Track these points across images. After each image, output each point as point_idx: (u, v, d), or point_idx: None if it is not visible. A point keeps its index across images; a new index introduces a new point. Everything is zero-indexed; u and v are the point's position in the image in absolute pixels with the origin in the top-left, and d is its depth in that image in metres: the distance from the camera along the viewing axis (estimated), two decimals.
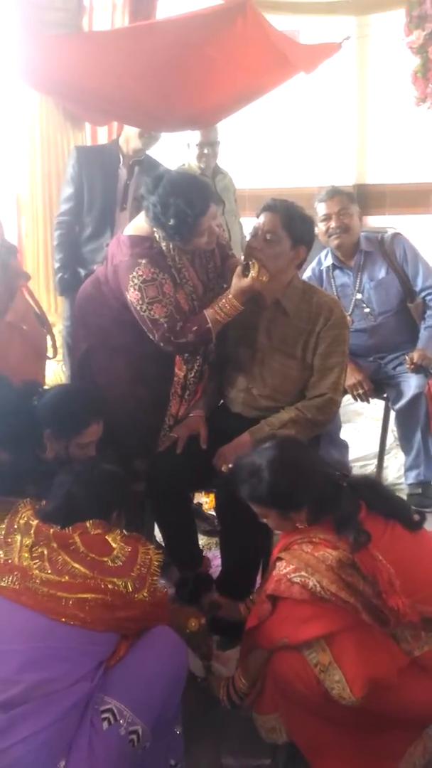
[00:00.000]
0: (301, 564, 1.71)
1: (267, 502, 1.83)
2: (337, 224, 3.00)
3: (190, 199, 2.17)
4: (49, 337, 2.55)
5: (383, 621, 1.64)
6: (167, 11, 3.52)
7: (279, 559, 1.81)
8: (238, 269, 2.29)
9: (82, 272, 3.22)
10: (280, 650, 1.76)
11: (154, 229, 2.30)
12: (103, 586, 1.61)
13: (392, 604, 1.64)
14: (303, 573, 1.69)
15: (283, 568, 1.75)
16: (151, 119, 2.94)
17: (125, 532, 1.75)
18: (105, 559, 1.65)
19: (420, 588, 1.70)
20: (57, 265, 3.34)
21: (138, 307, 2.29)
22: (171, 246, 2.31)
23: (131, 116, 3.01)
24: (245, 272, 2.26)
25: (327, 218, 3.01)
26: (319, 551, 1.71)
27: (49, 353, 2.57)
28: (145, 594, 1.66)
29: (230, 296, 2.29)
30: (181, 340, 2.31)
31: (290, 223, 2.28)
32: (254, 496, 1.84)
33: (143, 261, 2.26)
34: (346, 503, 1.78)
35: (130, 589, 1.63)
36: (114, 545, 1.68)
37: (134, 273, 2.26)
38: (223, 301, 2.30)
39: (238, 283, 2.27)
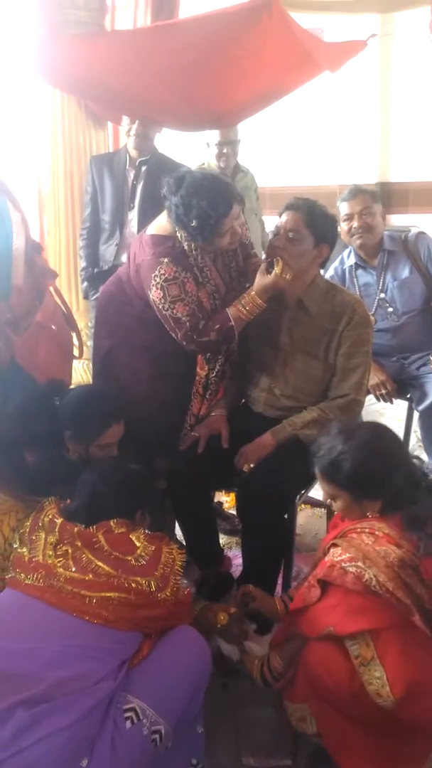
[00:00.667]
0: (358, 554, 1.68)
1: (344, 485, 1.79)
2: (360, 224, 2.97)
3: (213, 200, 2.17)
4: (75, 337, 2.56)
5: None
6: (189, 10, 3.51)
7: (334, 545, 1.77)
8: (262, 266, 2.28)
9: (96, 270, 3.43)
10: (314, 641, 1.74)
11: (177, 229, 2.30)
12: (126, 585, 1.61)
13: None
14: (360, 564, 1.66)
15: (338, 555, 1.71)
16: (173, 118, 2.95)
17: (149, 532, 1.75)
18: (129, 557, 1.65)
19: None
20: (82, 266, 3.52)
21: (160, 306, 2.29)
22: (193, 245, 2.31)
23: (153, 115, 3.02)
24: (269, 270, 2.25)
25: (349, 218, 2.99)
26: (381, 545, 1.69)
27: (75, 353, 2.58)
28: (168, 593, 1.66)
29: (253, 294, 2.28)
30: (203, 339, 2.31)
31: (313, 221, 2.27)
32: (332, 476, 1.80)
33: (165, 260, 2.26)
34: (423, 504, 1.75)
35: (154, 589, 1.63)
36: (138, 544, 1.68)
37: (156, 272, 2.26)
38: (246, 299, 2.29)
39: (261, 280, 2.26)
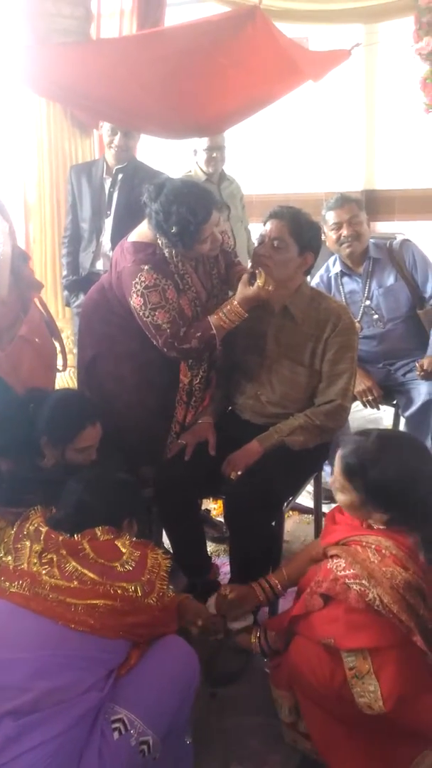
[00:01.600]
0: (363, 573, 1.65)
1: (361, 489, 1.75)
2: (349, 232, 2.98)
3: (193, 207, 2.18)
4: (59, 349, 2.55)
5: None
6: (175, 18, 3.53)
7: (336, 555, 1.74)
8: (245, 277, 2.29)
9: (74, 277, 3.46)
10: (299, 638, 1.74)
11: (157, 236, 2.30)
12: (112, 592, 1.60)
13: None
14: (364, 582, 1.64)
15: (341, 570, 1.69)
16: (159, 126, 2.96)
17: (134, 538, 1.75)
18: (114, 564, 1.65)
19: None
20: (64, 273, 3.53)
21: (141, 313, 2.29)
22: (174, 252, 2.32)
23: (139, 123, 3.03)
24: (251, 281, 2.26)
25: (338, 226, 2.99)
26: (388, 566, 1.66)
27: (59, 365, 2.58)
28: (155, 599, 1.66)
29: (235, 303, 2.29)
30: (184, 346, 2.31)
31: (298, 229, 2.28)
32: (352, 475, 1.76)
33: (146, 267, 2.27)
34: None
35: (140, 594, 1.63)
36: (123, 550, 1.68)
37: (137, 279, 2.27)
38: (228, 308, 2.30)
39: (243, 291, 2.27)
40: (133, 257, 2.30)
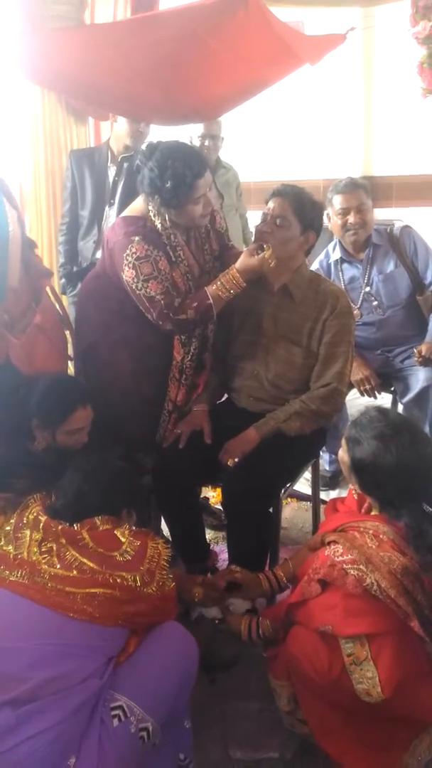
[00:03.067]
0: (361, 557, 1.65)
1: (364, 475, 1.75)
2: (356, 220, 2.95)
3: (188, 161, 2.17)
4: (70, 337, 2.56)
5: (430, 634, 1.63)
6: (169, 3, 3.50)
7: (333, 541, 1.75)
8: (251, 247, 2.28)
9: (75, 268, 3.40)
10: (297, 628, 1.75)
11: (149, 207, 2.29)
12: (111, 581, 1.61)
13: None
14: (362, 567, 1.64)
15: (339, 555, 1.69)
16: (154, 112, 2.93)
17: (134, 528, 1.75)
18: (114, 553, 1.65)
19: None
20: (61, 262, 3.47)
21: (134, 286, 2.26)
22: (166, 223, 2.29)
23: (134, 110, 3.00)
24: (257, 251, 2.25)
25: (345, 212, 2.96)
26: (385, 551, 1.67)
27: (71, 352, 2.58)
28: (154, 588, 1.66)
29: (235, 271, 2.26)
30: (180, 317, 2.28)
31: (300, 208, 2.28)
32: (355, 449, 1.76)
33: (137, 238, 2.24)
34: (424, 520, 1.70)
35: (139, 584, 1.63)
36: (123, 540, 1.68)
37: (128, 251, 2.24)
38: (227, 277, 2.28)
39: (247, 260, 2.26)
40: (123, 230, 2.28)
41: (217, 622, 2.02)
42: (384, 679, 1.60)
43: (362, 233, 3.01)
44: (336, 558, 1.69)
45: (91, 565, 1.62)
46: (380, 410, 1.82)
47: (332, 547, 1.73)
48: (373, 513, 1.81)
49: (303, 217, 2.29)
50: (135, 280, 2.24)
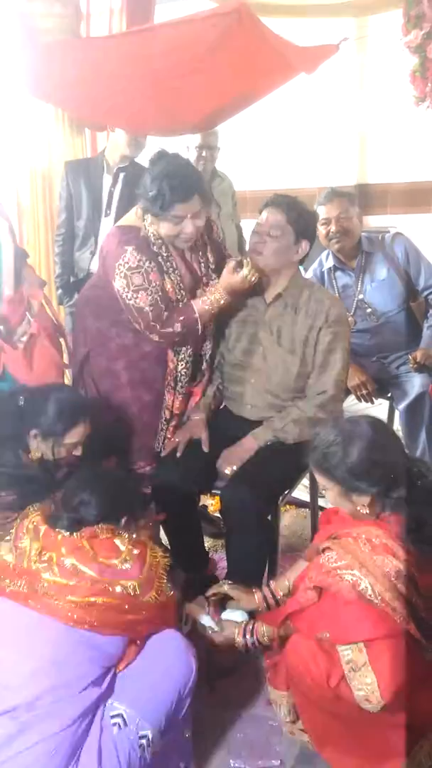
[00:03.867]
0: (355, 562, 1.66)
1: (332, 476, 1.78)
2: (337, 228, 2.99)
3: (176, 182, 2.18)
4: (65, 348, 2.57)
5: (428, 636, 1.63)
6: (165, 16, 3.52)
7: (328, 548, 1.75)
8: (232, 264, 2.31)
9: (72, 279, 3.39)
10: (295, 638, 1.75)
11: (144, 216, 2.31)
12: (111, 590, 1.61)
13: None
14: (356, 572, 1.64)
15: (333, 561, 1.69)
16: (149, 124, 2.95)
17: (133, 536, 1.76)
18: (113, 561, 1.66)
19: None
20: (57, 272, 3.47)
21: (124, 296, 2.29)
22: (158, 233, 2.30)
23: (129, 122, 3.01)
24: (237, 269, 2.28)
25: (327, 222, 3.01)
26: (378, 554, 1.67)
27: (66, 361, 2.60)
28: (153, 596, 1.67)
29: (220, 288, 2.31)
30: (167, 330, 2.32)
31: (294, 217, 2.31)
32: (322, 466, 1.79)
33: (130, 248, 2.27)
34: (416, 507, 1.73)
35: (138, 592, 1.64)
36: (122, 548, 1.69)
37: (121, 261, 2.28)
38: (212, 292, 2.32)
39: (228, 278, 2.29)
40: (117, 239, 2.31)
41: (210, 631, 2.01)
42: (383, 685, 1.59)
43: (346, 241, 3.03)
44: (330, 564, 1.69)
45: (91, 573, 1.62)
46: (325, 426, 1.86)
47: (326, 554, 1.74)
48: (365, 517, 1.80)
49: (297, 226, 2.32)
50: (125, 289, 2.28)
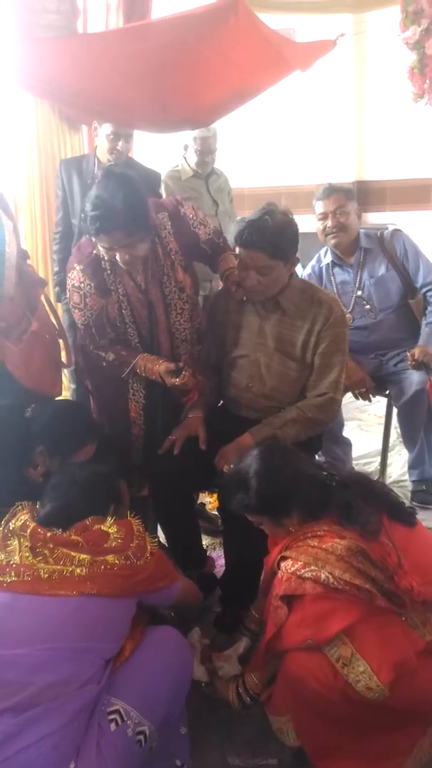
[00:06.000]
0: (309, 559, 1.69)
1: (257, 511, 1.87)
2: (333, 223, 2.99)
3: (101, 214, 2.11)
4: (63, 345, 2.58)
5: (399, 604, 1.64)
6: (162, 11, 3.52)
7: (283, 558, 1.79)
8: (169, 368, 2.35)
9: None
10: (292, 651, 1.74)
11: None
12: (108, 567, 1.64)
13: (405, 585, 1.66)
14: (313, 567, 1.67)
15: (290, 567, 1.73)
16: (146, 120, 2.94)
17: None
18: (105, 545, 1.68)
19: (428, 571, 1.73)
20: (55, 270, 3.49)
21: (70, 305, 2.41)
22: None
23: (127, 118, 3.01)
24: (173, 375, 2.33)
25: (324, 217, 3.00)
26: (327, 543, 1.71)
27: (63, 361, 2.60)
28: (148, 557, 1.71)
29: (157, 369, 2.36)
30: (100, 353, 2.43)
31: (274, 249, 2.21)
32: (245, 506, 1.88)
33: (78, 267, 2.34)
34: (337, 498, 1.81)
35: (133, 559, 1.67)
36: (110, 531, 1.71)
37: (69, 275, 2.37)
38: (151, 366, 2.37)
39: (167, 379, 2.35)
40: (74, 255, 2.40)
41: (203, 685, 2.02)
42: (377, 667, 1.59)
43: (343, 236, 3.03)
44: (289, 570, 1.73)
45: (85, 556, 1.64)
46: (227, 478, 1.97)
47: (282, 564, 1.78)
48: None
49: (281, 255, 2.23)
50: (69, 301, 2.39)
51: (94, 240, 2.23)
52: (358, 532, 1.73)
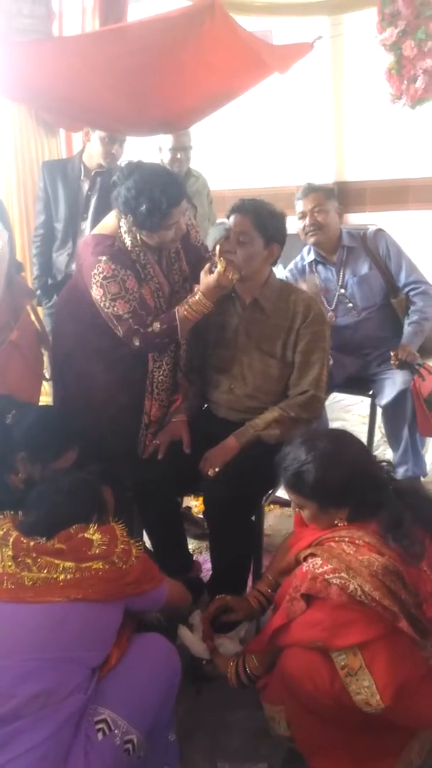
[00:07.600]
0: (341, 565, 1.64)
1: (308, 495, 1.79)
2: (311, 222, 3.00)
3: (167, 188, 2.18)
4: (46, 357, 2.55)
5: (421, 631, 1.61)
6: (138, 14, 3.51)
7: (312, 555, 1.74)
8: (207, 266, 2.30)
9: (50, 281, 3.38)
10: (293, 648, 1.73)
11: (120, 224, 2.30)
12: (92, 573, 1.62)
13: (431, 614, 1.63)
14: (343, 574, 1.62)
15: (318, 567, 1.68)
16: (123, 123, 2.92)
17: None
18: (89, 552, 1.66)
19: None
20: (35, 274, 3.44)
21: (102, 304, 2.29)
22: (137, 241, 2.30)
23: (104, 121, 2.99)
24: (211, 269, 2.27)
25: (303, 216, 3.02)
26: (363, 555, 1.66)
27: (46, 373, 2.57)
28: (133, 560, 1.70)
29: (200, 293, 2.29)
30: (149, 335, 2.30)
31: (261, 222, 2.28)
32: (296, 486, 1.80)
33: (103, 258, 2.27)
34: (390, 508, 1.75)
35: (118, 562, 1.66)
36: (93, 537, 1.69)
37: (95, 270, 2.27)
38: (194, 299, 2.30)
39: (205, 280, 2.28)
40: (91, 249, 2.30)
41: (204, 662, 2.00)
42: (382, 686, 1.57)
43: (320, 235, 3.04)
44: (316, 570, 1.67)
45: (70, 564, 1.62)
46: (294, 445, 1.86)
47: (311, 560, 1.73)
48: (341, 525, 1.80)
49: (265, 231, 2.29)
50: (103, 299, 2.28)
51: (147, 233, 2.26)
52: (399, 552, 1.68)
